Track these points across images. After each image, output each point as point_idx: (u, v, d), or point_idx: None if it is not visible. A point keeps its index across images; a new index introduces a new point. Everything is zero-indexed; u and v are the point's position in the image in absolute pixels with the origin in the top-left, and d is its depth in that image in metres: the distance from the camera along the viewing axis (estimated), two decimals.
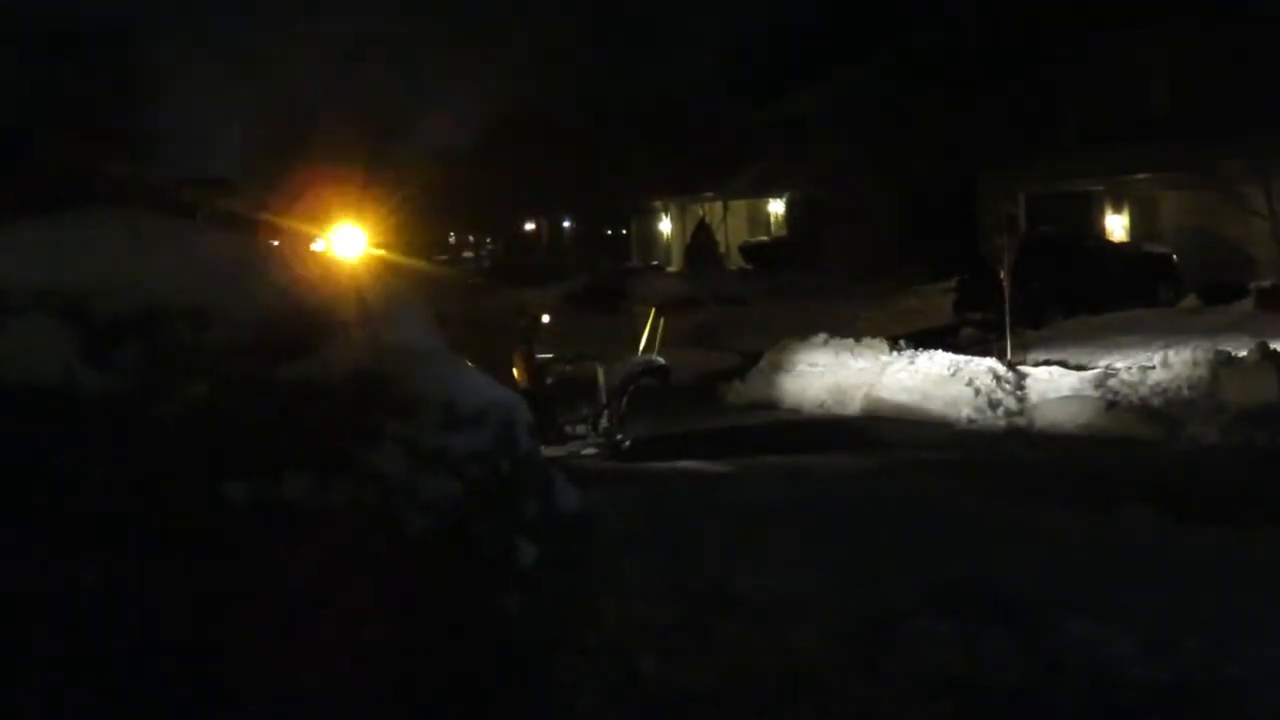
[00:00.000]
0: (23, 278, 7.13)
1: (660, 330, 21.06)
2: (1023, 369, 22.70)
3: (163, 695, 6.00)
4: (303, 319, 7.52)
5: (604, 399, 19.17)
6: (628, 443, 19.00)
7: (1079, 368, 22.78)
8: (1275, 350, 21.18)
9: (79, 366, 6.75)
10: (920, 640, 7.89)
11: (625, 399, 19.33)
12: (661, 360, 20.41)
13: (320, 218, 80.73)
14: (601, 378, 19.45)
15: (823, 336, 25.87)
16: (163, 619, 6.10)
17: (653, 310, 21.88)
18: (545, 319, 21.70)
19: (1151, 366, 21.79)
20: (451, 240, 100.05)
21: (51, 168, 55.07)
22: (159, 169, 73.52)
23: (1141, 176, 41.92)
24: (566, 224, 79.48)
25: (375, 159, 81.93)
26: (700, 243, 59.28)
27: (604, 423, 19.03)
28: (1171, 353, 21.91)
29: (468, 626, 7.08)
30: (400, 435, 7.21)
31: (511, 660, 7.39)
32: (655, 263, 65.12)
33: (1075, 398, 20.64)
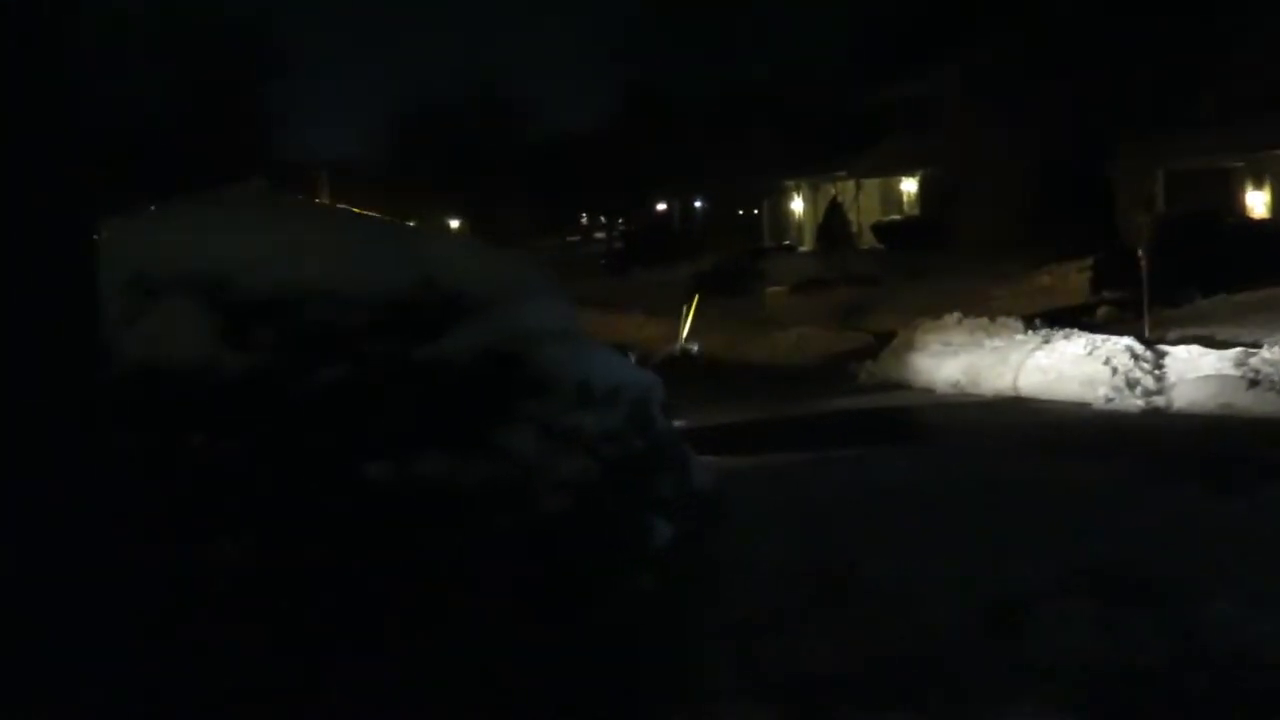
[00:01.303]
0: (165, 260, 7.25)
1: (693, 315, 20.69)
2: (1161, 348, 22.32)
3: (304, 667, 6.09)
4: (437, 300, 7.58)
5: None
6: None
7: (1219, 346, 22.33)
8: None
9: (219, 347, 6.85)
10: (1057, 623, 7.82)
11: None
12: (693, 348, 20.06)
13: (451, 199, 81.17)
14: None
15: (956, 315, 25.66)
16: (305, 594, 6.19)
17: (695, 297, 21.52)
18: None
19: None
20: (583, 221, 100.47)
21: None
22: (291, 150, 74.61)
23: None
24: (698, 204, 79.38)
25: (506, 140, 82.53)
26: (832, 222, 58.99)
27: None
28: None
29: (601, 604, 7.12)
30: (535, 414, 7.25)
31: (645, 638, 7.42)
32: (787, 243, 64.93)
33: (1215, 377, 20.28)
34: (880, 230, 57.54)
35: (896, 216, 59.28)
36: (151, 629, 4.37)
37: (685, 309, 20.28)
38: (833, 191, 61.13)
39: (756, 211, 72.65)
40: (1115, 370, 20.88)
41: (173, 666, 5.45)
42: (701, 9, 61.38)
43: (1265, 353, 21.20)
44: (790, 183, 65.66)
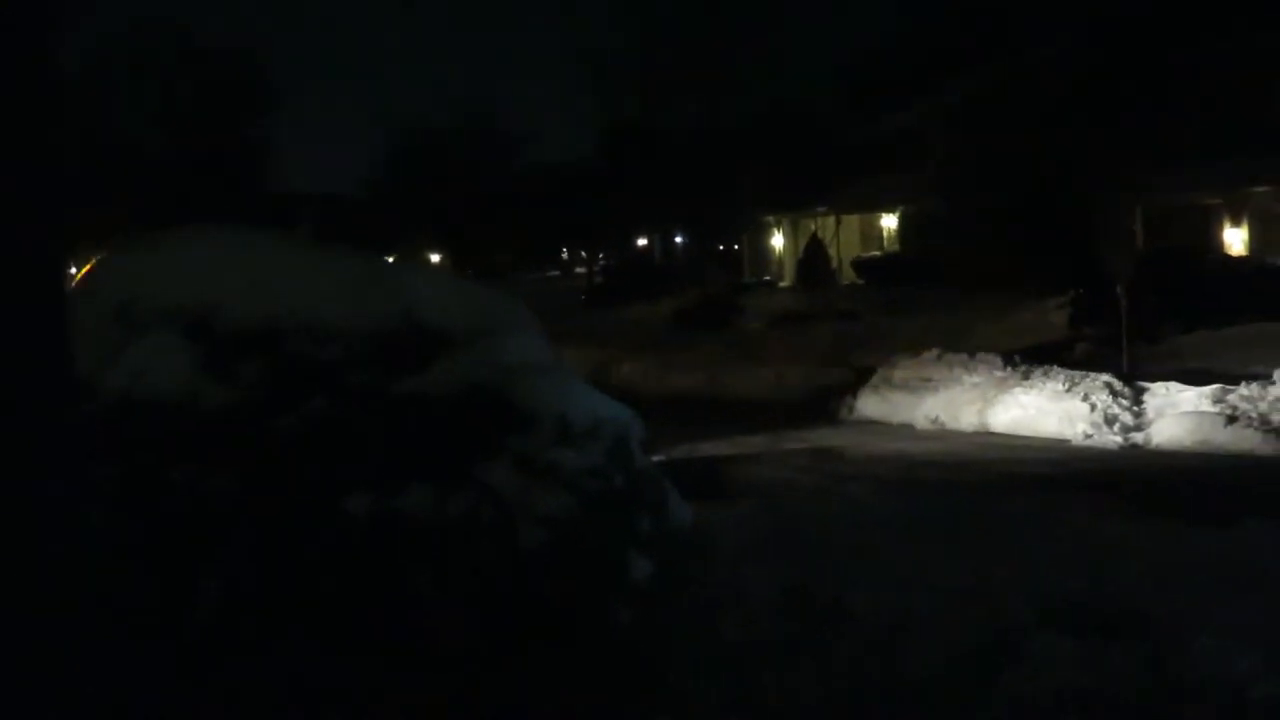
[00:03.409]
0: (149, 294, 7.25)
1: None
2: (1140, 384, 22.39)
3: (282, 702, 6.06)
4: (418, 334, 7.58)
5: None
6: None
7: (1198, 382, 22.40)
8: None
9: (202, 380, 6.84)
10: (1040, 657, 7.83)
11: None
12: None
13: (434, 233, 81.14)
14: None
15: (936, 352, 25.71)
16: (286, 626, 6.17)
17: None
18: None
19: (1272, 382, 21.45)
20: (564, 256, 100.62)
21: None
22: (275, 184, 74.72)
23: (1262, 189, 41.36)
24: (679, 239, 79.53)
25: (489, 175, 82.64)
26: (812, 257, 59.09)
27: None
28: None
29: (584, 639, 7.11)
30: (515, 450, 7.25)
31: (624, 672, 7.40)
32: (767, 278, 65.04)
33: (1193, 414, 20.34)
34: (860, 266, 57.68)
35: (876, 252, 59.44)
36: (131, 663, 4.35)
37: None
38: (813, 227, 61.26)
39: (737, 247, 72.79)
40: (1094, 407, 20.94)
41: (154, 700, 5.43)
42: (685, 46, 61.51)
43: (1243, 389, 21.27)
44: (770, 218, 65.78)
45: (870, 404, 24.83)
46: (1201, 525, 12.53)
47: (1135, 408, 21.16)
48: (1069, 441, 20.32)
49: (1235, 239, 42.35)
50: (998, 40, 51.24)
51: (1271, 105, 42.11)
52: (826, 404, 25.77)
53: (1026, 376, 23.23)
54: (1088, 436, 20.26)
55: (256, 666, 6.06)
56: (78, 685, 3.60)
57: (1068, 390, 21.87)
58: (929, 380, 24.50)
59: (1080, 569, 10.03)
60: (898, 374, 25.22)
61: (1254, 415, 20.08)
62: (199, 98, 67.71)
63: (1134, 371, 24.31)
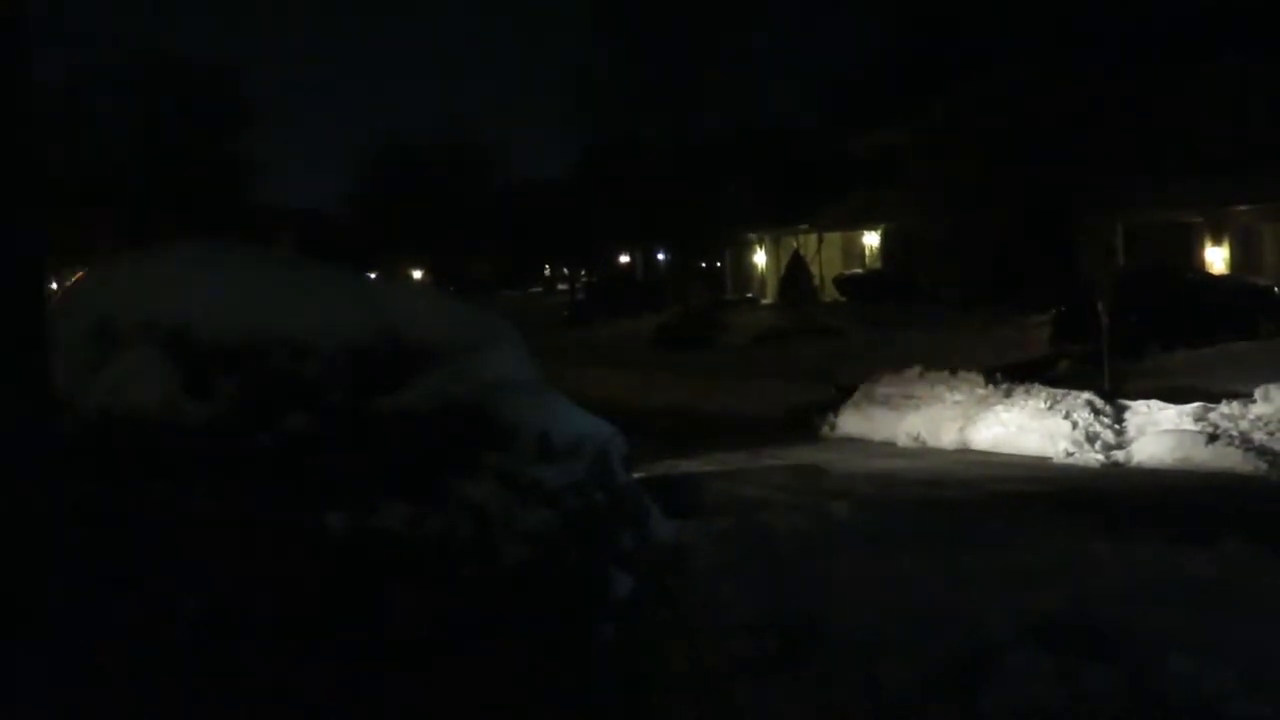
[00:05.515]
0: (129, 310, 7.23)
1: None
2: (1121, 402, 22.39)
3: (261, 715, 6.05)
4: (399, 350, 7.58)
5: None
6: None
7: (1179, 401, 22.41)
8: None
9: (181, 396, 6.83)
10: (1018, 675, 7.83)
11: None
12: None
13: (415, 249, 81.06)
14: None
15: (917, 369, 25.71)
16: (264, 647, 6.16)
17: None
18: None
19: (1253, 400, 21.49)
20: (546, 272, 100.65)
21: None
22: (259, 198, 74.67)
23: (1242, 208, 41.48)
24: (661, 256, 79.62)
25: (471, 192, 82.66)
26: (795, 275, 59.13)
27: None
28: (1273, 387, 21.58)
29: (565, 655, 7.10)
30: (496, 466, 7.24)
31: (604, 689, 7.39)
32: (749, 295, 65.11)
33: (1174, 432, 20.35)
34: (842, 283, 57.74)
35: (859, 270, 59.49)
36: (107, 682, 4.34)
37: None
38: (795, 244, 61.32)
39: (719, 264, 72.87)
40: (1075, 424, 20.94)
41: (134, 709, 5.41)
42: (667, 62, 61.58)
43: (1224, 407, 21.31)
44: (752, 235, 65.87)
45: (852, 421, 24.83)
46: (1181, 544, 12.53)
47: (1116, 426, 21.17)
48: (1050, 459, 20.33)
49: (1216, 258, 42.49)
50: (980, 59, 51.38)
51: (1252, 125, 42.26)
52: (808, 421, 25.77)
53: (1008, 394, 23.23)
54: (1069, 454, 20.27)
55: (236, 680, 6.05)
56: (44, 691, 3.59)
57: (1049, 408, 21.88)
58: (911, 397, 24.49)
59: (1059, 587, 10.04)
60: (879, 391, 25.21)
61: (1235, 434, 20.11)
62: (180, 114, 67.63)
63: (1115, 389, 24.33)
